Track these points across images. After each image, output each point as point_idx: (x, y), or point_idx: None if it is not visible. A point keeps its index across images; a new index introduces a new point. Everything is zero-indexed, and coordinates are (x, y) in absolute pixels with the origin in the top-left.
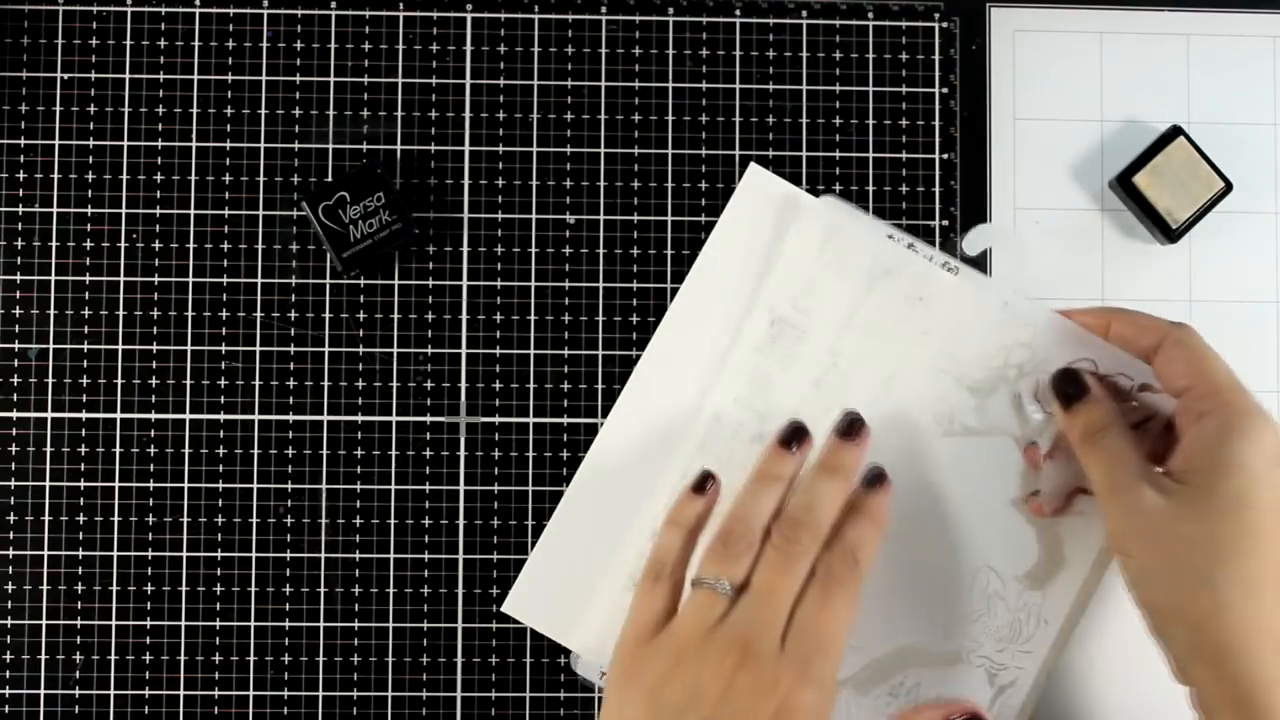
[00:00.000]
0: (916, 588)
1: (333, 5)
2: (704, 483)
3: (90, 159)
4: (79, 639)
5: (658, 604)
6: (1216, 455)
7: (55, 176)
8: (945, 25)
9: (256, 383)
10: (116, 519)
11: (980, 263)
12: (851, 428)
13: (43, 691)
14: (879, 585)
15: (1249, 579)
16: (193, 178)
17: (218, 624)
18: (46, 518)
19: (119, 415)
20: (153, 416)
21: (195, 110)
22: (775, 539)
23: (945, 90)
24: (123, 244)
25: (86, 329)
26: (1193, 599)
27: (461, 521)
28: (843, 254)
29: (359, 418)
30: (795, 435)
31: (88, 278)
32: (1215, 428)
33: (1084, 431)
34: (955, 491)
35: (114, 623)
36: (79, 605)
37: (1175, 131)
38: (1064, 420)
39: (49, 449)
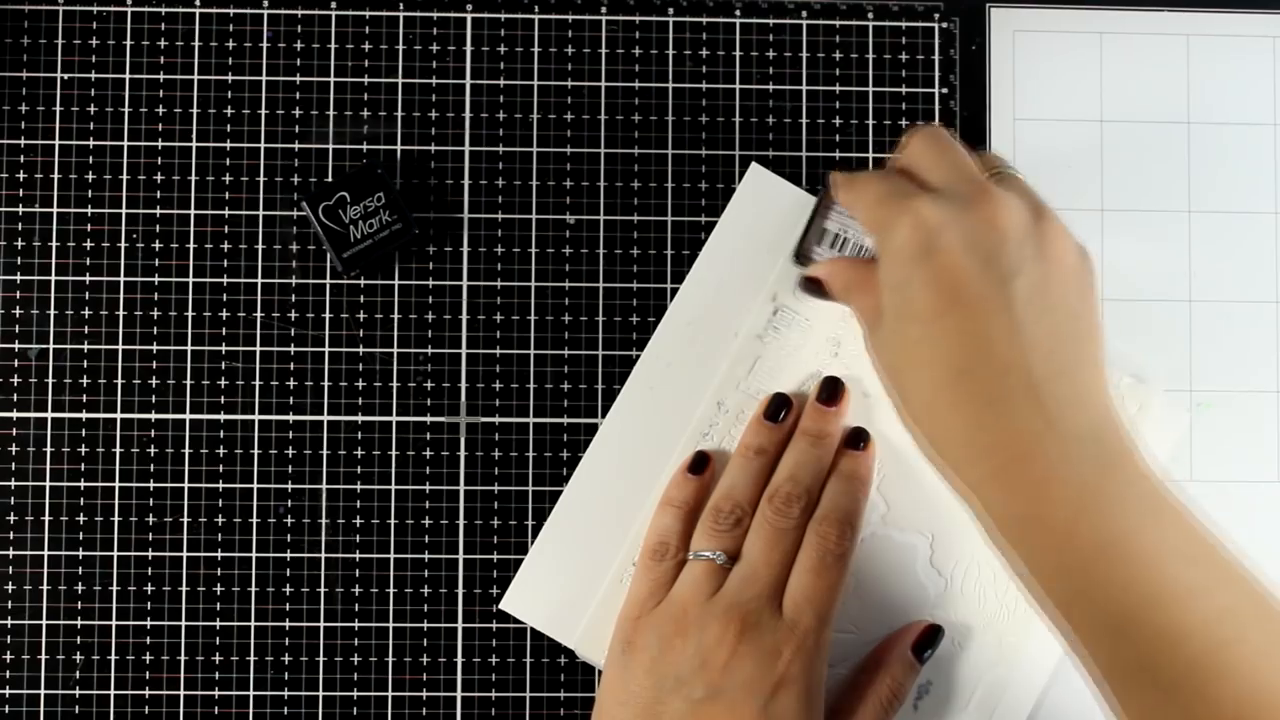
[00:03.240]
0: (909, 575)
1: (333, 5)
2: (700, 464)
3: (90, 159)
4: (79, 639)
5: (659, 580)
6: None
7: (55, 176)
8: (945, 25)
9: (256, 383)
10: (116, 519)
11: None
12: (832, 393)
13: (43, 691)
14: (871, 572)
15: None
16: (193, 178)
17: (218, 624)
18: (46, 518)
19: (119, 415)
20: (153, 416)
21: (195, 110)
22: (766, 512)
23: (945, 90)
24: (123, 244)
25: (86, 329)
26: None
27: (461, 521)
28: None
29: (359, 418)
30: (779, 407)
31: (88, 278)
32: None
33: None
34: None
35: (114, 623)
36: (79, 605)
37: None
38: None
39: (49, 449)
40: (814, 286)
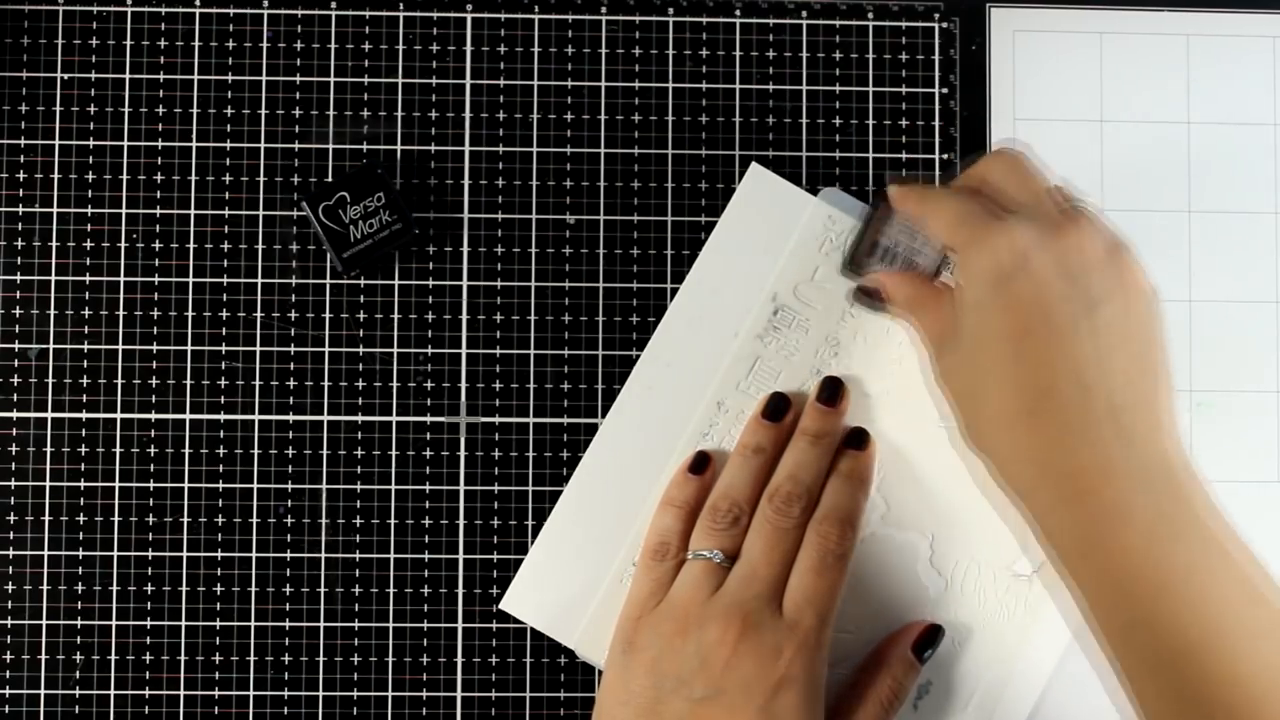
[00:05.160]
0: (909, 575)
1: (333, 5)
2: (700, 464)
3: (90, 159)
4: (79, 639)
5: (660, 580)
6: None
7: (55, 176)
8: (945, 25)
9: (256, 383)
10: (116, 519)
11: None
12: (832, 393)
13: (43, 691)
14: (871, 572)
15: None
16: (193, 178)
17: (218, 624)
18: (46, 518)
19: (119, 415)
20: (153, 416)
21: (195, 110)
22: (766, 511)
23: (945, 90)
24: (123, 244)
25: (86, 329)
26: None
27: (461, 521)
28: (842, 246)
29: (359, 418)
30: (778, 406)
31: (88, 278)
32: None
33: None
34: (948, 479)
35: (114, 623)
36: (79, 605)
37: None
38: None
39: (49, 449)
40: (868, 297)
